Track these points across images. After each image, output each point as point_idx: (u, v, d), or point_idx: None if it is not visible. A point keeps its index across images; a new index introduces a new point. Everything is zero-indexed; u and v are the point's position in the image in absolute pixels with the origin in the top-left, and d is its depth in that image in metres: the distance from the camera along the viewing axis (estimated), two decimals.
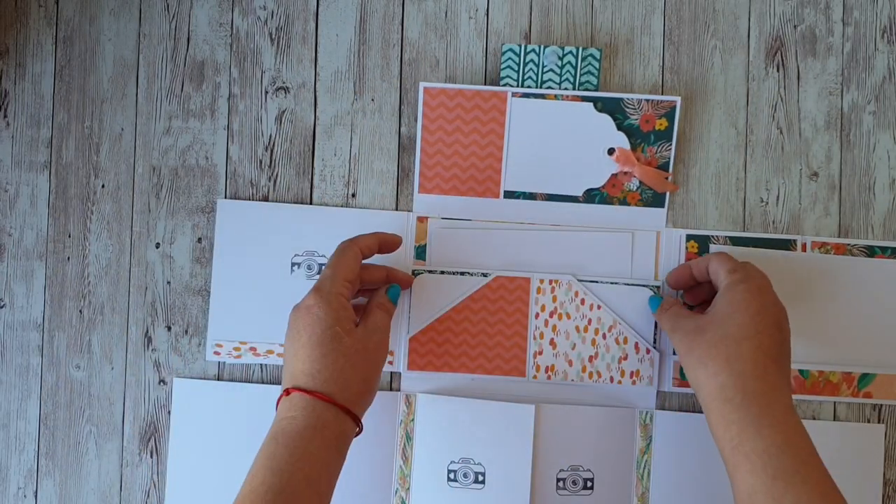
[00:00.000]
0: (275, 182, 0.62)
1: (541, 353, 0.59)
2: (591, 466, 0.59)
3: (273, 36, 0.62)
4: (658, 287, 0.60)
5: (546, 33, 0.61)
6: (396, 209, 0.62)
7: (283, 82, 0.62)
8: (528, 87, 0.59)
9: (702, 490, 0.59)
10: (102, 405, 0.62)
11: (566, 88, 0.59)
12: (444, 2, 0.62)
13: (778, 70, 0.61)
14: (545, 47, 0.59)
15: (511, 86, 0.59)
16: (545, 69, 0.59)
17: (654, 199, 0.60)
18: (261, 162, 0.62)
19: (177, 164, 0.62)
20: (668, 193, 0.60)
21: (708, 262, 0.55)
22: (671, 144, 0.59)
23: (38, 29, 0.63)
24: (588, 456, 0.59)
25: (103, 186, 0.63)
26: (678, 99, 0.59)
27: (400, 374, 0.61)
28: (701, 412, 0.59)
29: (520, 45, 0.59)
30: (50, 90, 0.63)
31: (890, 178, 0.61)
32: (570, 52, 0.59)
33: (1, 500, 0.62)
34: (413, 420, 0.60)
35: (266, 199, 0.62)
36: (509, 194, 0.60)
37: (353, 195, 0.62)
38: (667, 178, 0.59)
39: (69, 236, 0.62)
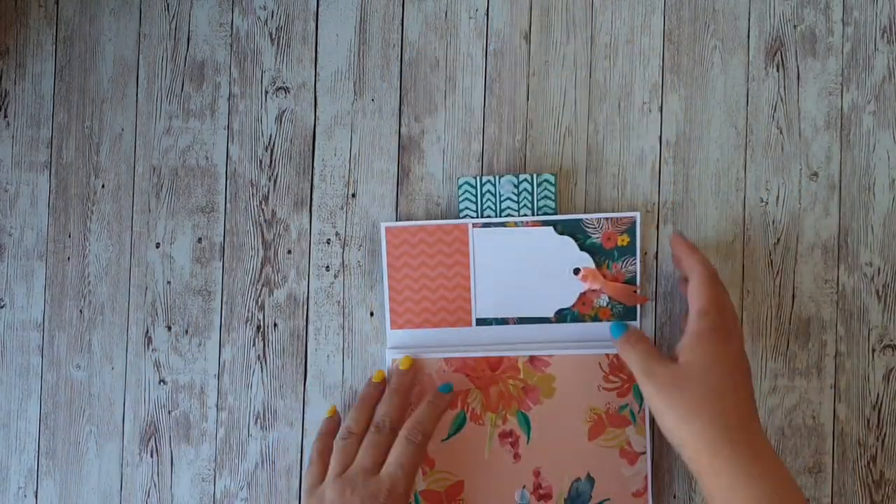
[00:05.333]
0: (275, 182, 0.62)
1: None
2: None
3: (273, 36, 0.62)
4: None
5: (546, 33, 0.61)
6: (396, 209, 0.62)
7: (283, 82, 0.62)
8: (488, 216, 0.60)
9: None
10: (103, 405, 0.62)
11: (525, 215, 0.59)
12: (444, 2, 0.62)
13: (778, 70, 0.61)
14: (500, 177, 0.59)
15: (471, 217, 0.60)
16: (502, 198, 0.59)
17: (626, 313, 0.60)
18: (261, 162, 0.62)
19: (177, 164, 0.62)
20: (639, 305, 0.60)
21: (689, 274, 0.54)
22: (636, 259, 0.59)
23: (38, 29, 0.63)
24: None
25: (103, 186, 0.63)
26: (637, 214, 0.59)
27: None
28: None
29: (475, 178, 0.60)
30: (50, 90, 0.63)
31: (890, 178, 0.61)
32: (525, 178, 0.59)
33: (1, 499, 0.62)
34: None
35: (266, 199, 0.62)
36: (481, 321, 0.60)
37: (353, 195, 0.62)
38: (635, 292, 0.59)
39: (69, 236, 0.63)
